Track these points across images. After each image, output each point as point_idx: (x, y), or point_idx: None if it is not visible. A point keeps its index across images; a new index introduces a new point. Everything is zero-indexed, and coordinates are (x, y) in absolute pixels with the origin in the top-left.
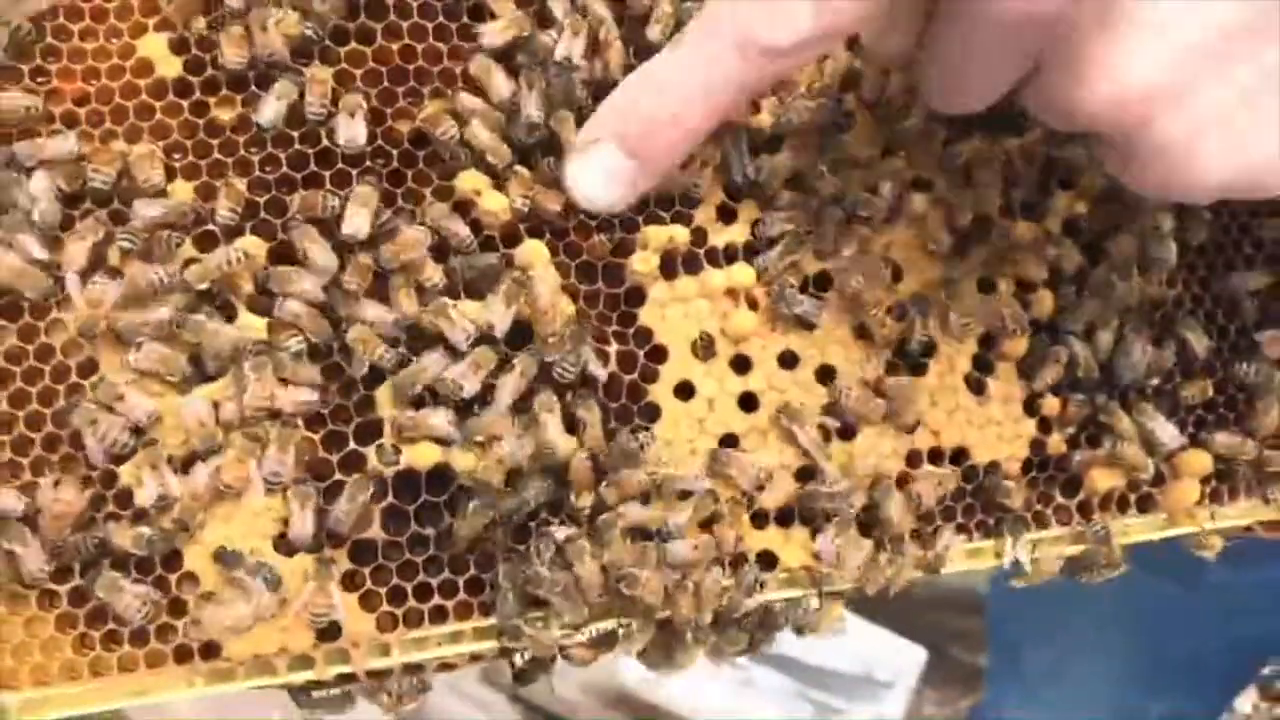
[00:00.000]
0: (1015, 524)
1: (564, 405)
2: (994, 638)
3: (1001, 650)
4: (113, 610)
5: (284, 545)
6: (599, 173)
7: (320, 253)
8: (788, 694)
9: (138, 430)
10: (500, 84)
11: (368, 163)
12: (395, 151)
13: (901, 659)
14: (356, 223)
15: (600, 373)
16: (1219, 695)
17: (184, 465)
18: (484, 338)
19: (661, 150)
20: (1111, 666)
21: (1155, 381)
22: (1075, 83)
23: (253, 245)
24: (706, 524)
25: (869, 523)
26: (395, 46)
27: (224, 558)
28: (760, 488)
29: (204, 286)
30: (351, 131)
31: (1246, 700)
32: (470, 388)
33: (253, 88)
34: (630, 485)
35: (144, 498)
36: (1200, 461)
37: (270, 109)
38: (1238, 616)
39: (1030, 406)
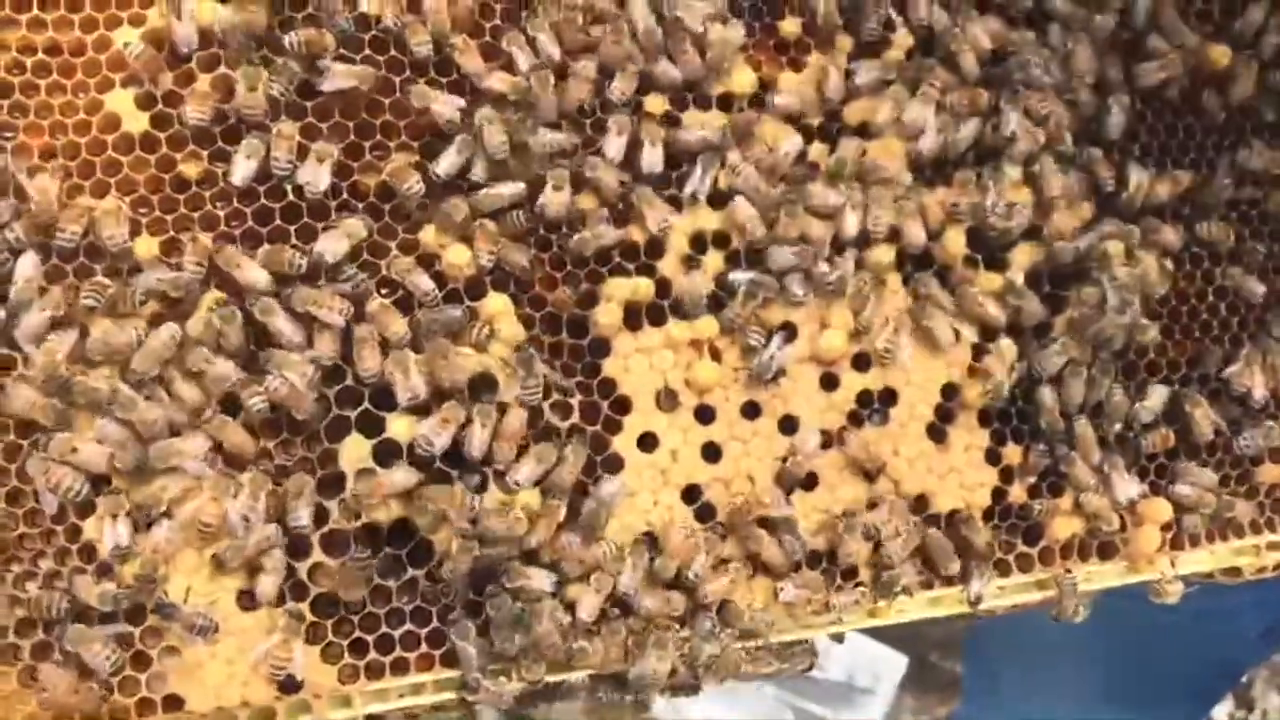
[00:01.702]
0: (980, 560)
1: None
2: (970, 648)
3: (977, 660)
4: (79, 661)
5: (246, 599)
6: None
7: (249, 270)
8: (769, 700)
9: (103, 480)
10: (444, 108)
11: (333, 216)
12: (361, 204)
13: (882, 666)
14: (331, 247)
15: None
16: (1189, 712)
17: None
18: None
19: None
20: (1084, 680)
21: (1117, 428)
22: None
23: (216, 299)
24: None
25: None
26: (361, 101)
27: (161, 609)
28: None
29: (155, 372)
30: (314, 175)
31: (1223, 709)
32: (441, 443)
33: (219, 143)
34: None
35: (104, 548)
36: (1161, 509)
37: (242, 168)
38: (1209, 637)
39: (992, 455)
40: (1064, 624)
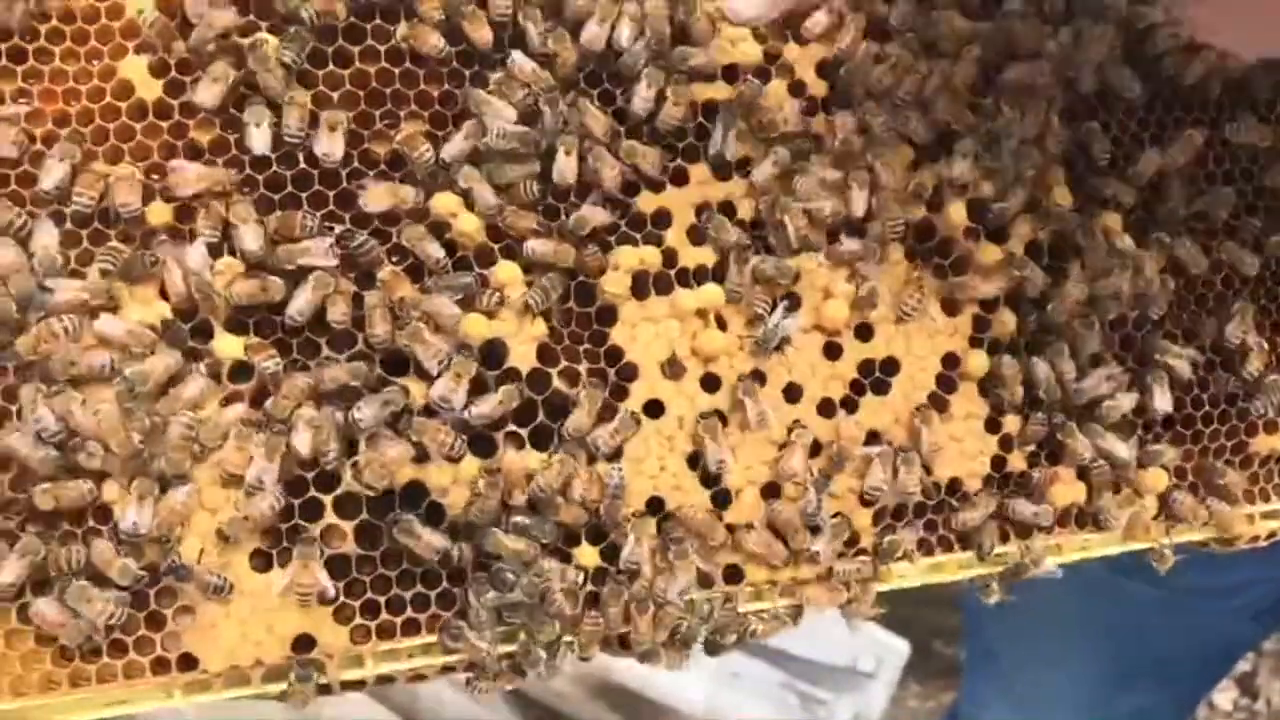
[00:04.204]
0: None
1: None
2: (970, 632)
3: (977, 644)
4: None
5: (259, 561)
6: None
7: (248, 234)
8: (773, 684)
9: None
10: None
11: (344, 184)
12: (371, 173)
13: (885, 651)
14: (377, 195)
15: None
16: (1188, 693)
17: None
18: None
19: None
20: (1084, 662)
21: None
22: None
23: (231, 265)
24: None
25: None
26: (372, 70)
27: (175, 570)
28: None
29: (146, 388)
30: (329, 146)
31: (1227, 698)
32: (458, 401)
33: (231, 111)
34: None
35: (122, 524)
36: (1157, 478)
37: (258, 137)
38: (1209, 617)
39: (992, 424)
40: (1065, 599)
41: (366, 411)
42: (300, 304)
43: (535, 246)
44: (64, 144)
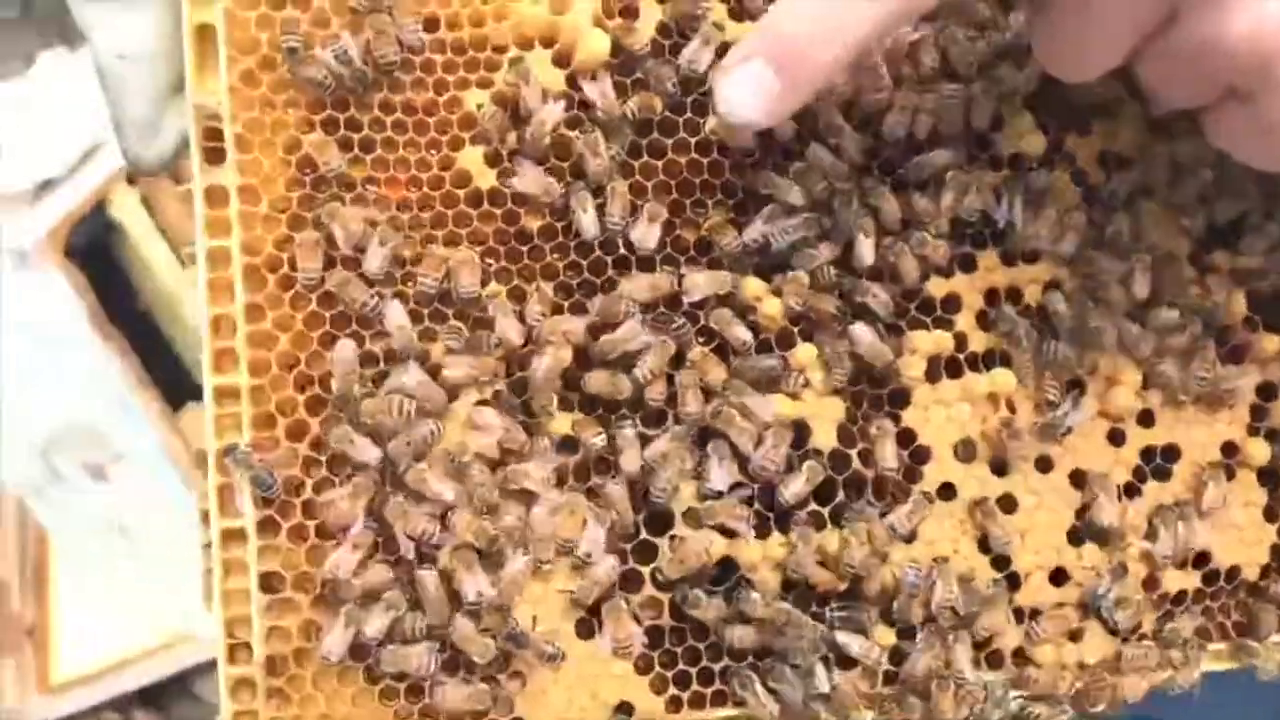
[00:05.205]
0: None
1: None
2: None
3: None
4: (406, 674)
5: (584, 628)
6: (747, 88)
7: (630, 327)
8: None
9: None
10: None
11: (659, 269)
12: (682, 258)
13: None
14: (700, 283)
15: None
16: None
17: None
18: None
19: (807, 73)
20: None
21: None
22: (1216, 18)
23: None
24: None
25: None
26: (683, 160)
27: (513, 637)
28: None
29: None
30: (644, 235)
31: None
32: (777, 466)
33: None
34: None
35: (467, 596)
36: None
37: (588, 222)
38: None
39: (1270, 513)
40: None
41: (717, 475)
42: (652, 363)
43: (859, 334)
44: (383, 229)
